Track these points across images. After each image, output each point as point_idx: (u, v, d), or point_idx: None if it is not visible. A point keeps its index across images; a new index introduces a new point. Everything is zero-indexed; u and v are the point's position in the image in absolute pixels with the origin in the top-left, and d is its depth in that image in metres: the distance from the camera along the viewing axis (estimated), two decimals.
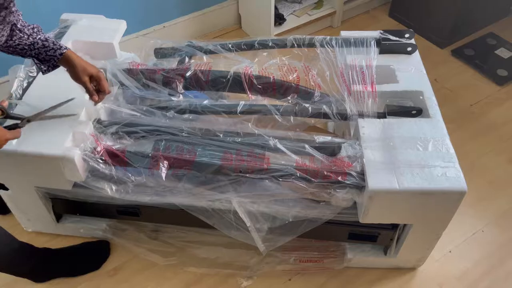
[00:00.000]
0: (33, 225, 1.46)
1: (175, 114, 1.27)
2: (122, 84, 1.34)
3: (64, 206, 1.35)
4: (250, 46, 1.47)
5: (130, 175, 1.15)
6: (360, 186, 1.10)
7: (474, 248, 1.44)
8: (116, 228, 1.43)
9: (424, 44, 2.22)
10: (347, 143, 1.17)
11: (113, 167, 1.15)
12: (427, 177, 1.06)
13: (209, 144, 1.18)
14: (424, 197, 1.07)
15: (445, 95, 1.96)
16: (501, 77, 2.03)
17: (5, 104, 1.06)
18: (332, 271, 1.37)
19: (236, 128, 1.24)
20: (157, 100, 1.32)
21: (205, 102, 1.31)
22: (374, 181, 1.06)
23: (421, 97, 1.27)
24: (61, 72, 1.12)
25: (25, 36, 1.04)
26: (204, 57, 1.46)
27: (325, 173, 1.11)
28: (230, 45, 1.46)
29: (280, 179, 1.12)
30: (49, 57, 1.07)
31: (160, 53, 1.52)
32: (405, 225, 1.21)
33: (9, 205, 1.38)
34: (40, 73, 1.13)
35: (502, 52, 2.15)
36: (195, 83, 1.39)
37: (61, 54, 1.07)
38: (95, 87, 1.13)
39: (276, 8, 2.15)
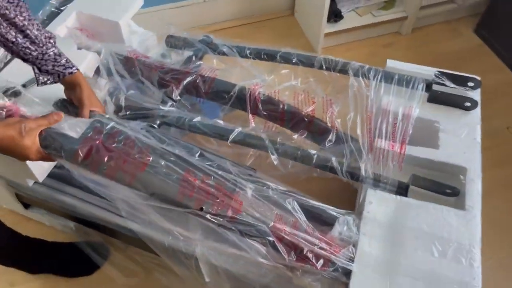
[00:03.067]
0: (5, 203, 1.38)
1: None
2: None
3: (28, 199, 1.24)
4: (271, 57, 1.21)
5: None
6: (339, 280, 0.85)
7: None
8: (83, 231, 1.30)
9: (508, 80, 1.80)
10: (342, 219, 0.91)
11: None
12: None
13: (169, 154, 0.89)
14: None
15: None
16: None
17: None
18: None
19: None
20: (140, 106, 1.13)
21: (196, 119, 1.10)
22: (358, 286, 0.81)
23: (461, 177, 0.96)
24: None
25: (36, 48, 0.90)
26: (215, 60, 1.23)
27: (305, 252, 0.87)
28: (248, 51, 1.22)
29: (248, 239, 0.89)
30: (54, 71, 0.93)
31: (170, 42, 1.32)
32: None
33: None
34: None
35: None
36: (194, 91, 1.18)
37: (70, 73, 0.94)
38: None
39: (334, 1, 1.83)
